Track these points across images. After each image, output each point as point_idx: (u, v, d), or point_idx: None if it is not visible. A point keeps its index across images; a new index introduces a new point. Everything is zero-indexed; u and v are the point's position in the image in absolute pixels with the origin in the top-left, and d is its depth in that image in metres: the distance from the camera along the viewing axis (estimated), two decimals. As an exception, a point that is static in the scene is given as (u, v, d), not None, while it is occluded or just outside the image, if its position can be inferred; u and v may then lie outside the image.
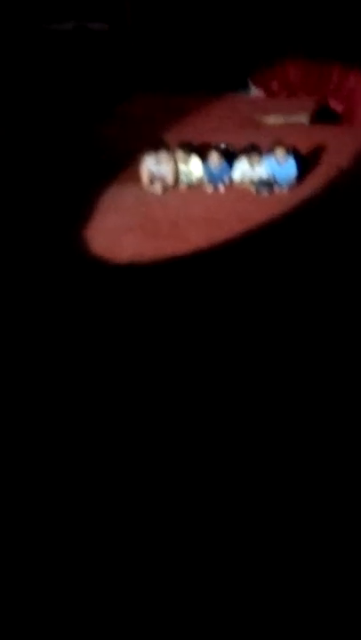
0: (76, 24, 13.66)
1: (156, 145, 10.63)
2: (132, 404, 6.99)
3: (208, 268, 8.96)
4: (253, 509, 5.93)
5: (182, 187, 10.53)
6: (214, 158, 10.39)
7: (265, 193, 10.29)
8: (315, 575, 5.44)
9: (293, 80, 13.03)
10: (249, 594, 5.35)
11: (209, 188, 10.43)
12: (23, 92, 12.27)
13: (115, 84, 13.07)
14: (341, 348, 7.53)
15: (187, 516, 5.90)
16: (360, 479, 6.10)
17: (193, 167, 10.53)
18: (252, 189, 10.35)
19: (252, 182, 10.38)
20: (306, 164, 10.66)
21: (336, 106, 12.32)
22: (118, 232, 9.73)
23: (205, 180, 10.47)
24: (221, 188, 10.43)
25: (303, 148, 10.94)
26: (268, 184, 10.31)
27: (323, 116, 12.26)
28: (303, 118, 12.19)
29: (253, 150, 10.39)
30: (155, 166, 10.50)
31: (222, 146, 10.81)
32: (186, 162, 10.52)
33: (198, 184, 10.54)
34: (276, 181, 10.33)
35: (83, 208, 10.16)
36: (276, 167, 10.33)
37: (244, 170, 10.44)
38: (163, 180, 10.47)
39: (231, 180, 10.47)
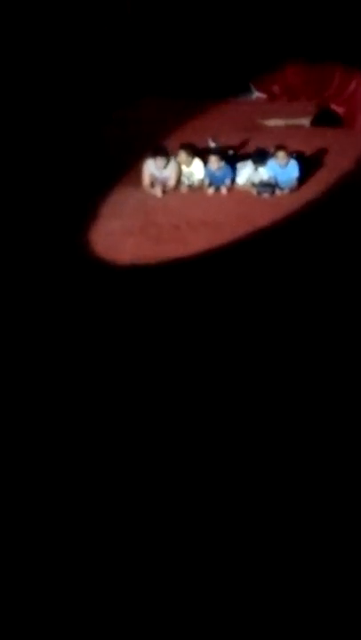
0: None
1: (158, 148, 10.66)
2: (133, 406, 6.99)
3: (209, 271, 8.96)
4: (253, 509, 5.94)
5: (183, 189, 10.55)
6: (213, 160, 10.41)
7: (266, 195, 10.30)
8: (315, 575, 5.44)
9: (295, 84, 13.05)
10: (249, 594, 5.35)
11: (210, 191, 10.44)
12: (23, 94, 12.28)
13: (118, 87, 13.08)
14: (343, 350, 7.54)
15: (187, 516, 5.90)
16: (360, 479, 6.12)
17: (195, 169, 10.55)
18: (254, 191, 10.37)
19: (254, 184, 10.39)
20: (307, 166, 10.67)
21: (337, 109, 12.32)
22: (119, 235, 9.75)
23: (206, 182, 10.49)
24: (223, 191, 10.44)
25: (305, 150, 10.96)
26: (270, 186, 10.32)
27: (324, 119, 12.27)
28: (305, 121, 12.22)
29: (260, 155, 10.43)
30: (156, 169, 10.52)
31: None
32: (188, 164, 10.54)
33: (199, 186, 10.55)
34: (277, 184, 10.35)
35: (84, 211, 10.18)
36: (277, 169, 10.35)
37: (250, 174, 10.47)
38: (164, 182, 10.49)
39: (233, 183, 10.50)
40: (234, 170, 10.55)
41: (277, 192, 10.35)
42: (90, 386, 7.27)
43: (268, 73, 13.18)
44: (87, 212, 10.19)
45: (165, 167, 10.49)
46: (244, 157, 10.78)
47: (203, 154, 10.67)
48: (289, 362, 7.44)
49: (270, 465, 6.31)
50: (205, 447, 6.52)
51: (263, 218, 9.84)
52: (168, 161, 10.50)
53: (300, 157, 10.65)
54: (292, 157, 10.43)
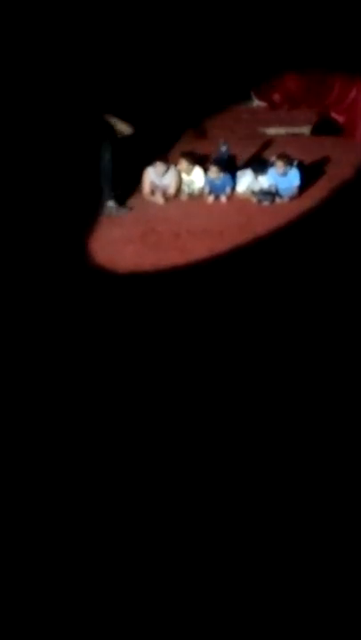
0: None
1: (159, 156, 10.68)
2: (132, 412, 7.00)
3: (209, 279, 8.97)
4: (253, 508, 5.94)
5: (183, 197, 10.56)
6: (213, 169, 10.43)
7: (266, 203, 10.31)
8: (315, 574, 5.44)
9: (295, 92, 13.06)
10: (249, 594, 5.35)
11: (210, 199, 10.46)
12: (23, 97, 12.29)
13: (122, 94, 13.10)
14: (343, 357, 7.54)
15: (187, 515, 5.91)
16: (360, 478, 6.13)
17: (195, 177, 10.57)
18: (254, 200, 10.38)
19: (254, 193, 10.41)
20: (308, 174, 10.69)
21: (338, 117, 12.34)
22: (120, 243, 9.76)
23: (207, 190, 10.50)
24: (223, 199, 10.46)
25: (305, 159, 10.96)
26: (270, 194, 10.34)
27: (324, 127, 12.29)
28: (305, 130, 12.24)
29: (260, 163, 10.43)
30: (156, 177, 10.53)
31: (223, 149, 10.87)
32: (189, 172, 10.56)
33: (199, 194, 10.57)
34: (277, 192, 10.36)
35: (84, 219, 10.19)
36: (278, 177, 10.36)
37: (249, 182, 10.48)
38: (164, 190, 10.50)
39: (233, 191, 10.51)
40: (234, 178, 10.57)
41: (278, 200, 10.36)
42: (90, 392, 7.28)
43: (269, 81, 13.20)
44: (88, 219, 10.21)
45: (165, 174, 10.52)
46: (244, 166, 10.81)
47: (203, 162, 10.70)
48: (289, 369, 7.44)
49: (270, 465, 6.32)
50: (205, 449, 6.53)
51: (263, 226, 9.85)
52: (168, 168, 10.54)
53: (300, 165, 10.66)
54: (293, 165, 10.46)
